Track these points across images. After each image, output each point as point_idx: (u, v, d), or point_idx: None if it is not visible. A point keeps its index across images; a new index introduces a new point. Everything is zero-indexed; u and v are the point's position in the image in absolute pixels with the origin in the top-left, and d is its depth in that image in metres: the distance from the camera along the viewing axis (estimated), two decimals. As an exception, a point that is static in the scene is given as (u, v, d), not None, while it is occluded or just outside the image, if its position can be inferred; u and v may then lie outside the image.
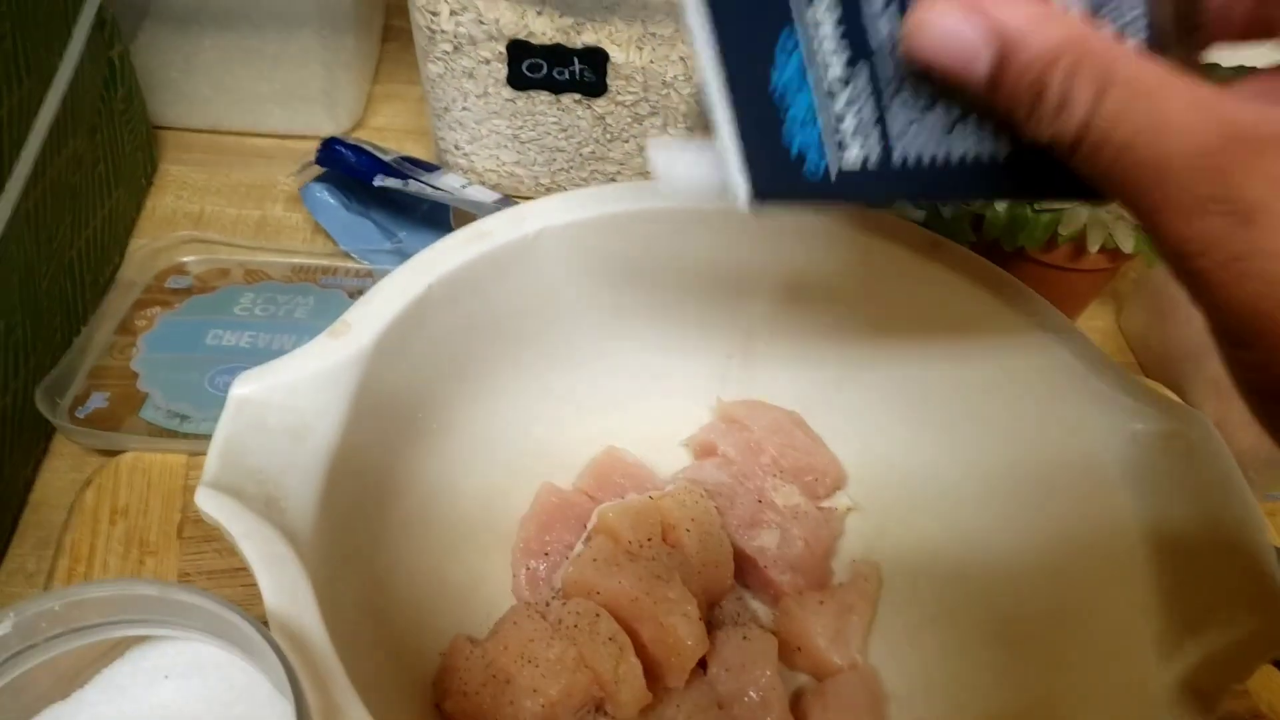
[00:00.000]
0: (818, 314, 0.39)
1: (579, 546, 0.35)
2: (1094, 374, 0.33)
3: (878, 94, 0.23)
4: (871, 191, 0.24)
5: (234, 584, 0.36)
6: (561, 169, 0.51)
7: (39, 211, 0.41)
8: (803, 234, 0.37)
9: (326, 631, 0.25)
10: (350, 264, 0.49)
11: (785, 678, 0.35)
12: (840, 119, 0.23)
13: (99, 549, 0.38)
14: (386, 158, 0.50)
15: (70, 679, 0.25)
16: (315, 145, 0.50)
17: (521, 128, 0.49)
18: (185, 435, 0.41)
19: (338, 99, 0.56)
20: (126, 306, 0.46)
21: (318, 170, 0.50)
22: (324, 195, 0.50)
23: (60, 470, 0.41)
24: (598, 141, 0.50)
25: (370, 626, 0.30)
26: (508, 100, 0.48)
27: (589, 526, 0.36)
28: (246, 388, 0.29)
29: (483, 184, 0.52)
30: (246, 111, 0.56)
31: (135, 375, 0.43)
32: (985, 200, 0.24)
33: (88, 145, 0.46)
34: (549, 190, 0.52)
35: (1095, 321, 0.54)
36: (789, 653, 0.36)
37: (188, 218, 0.52)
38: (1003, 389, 0.36)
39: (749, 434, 0.39)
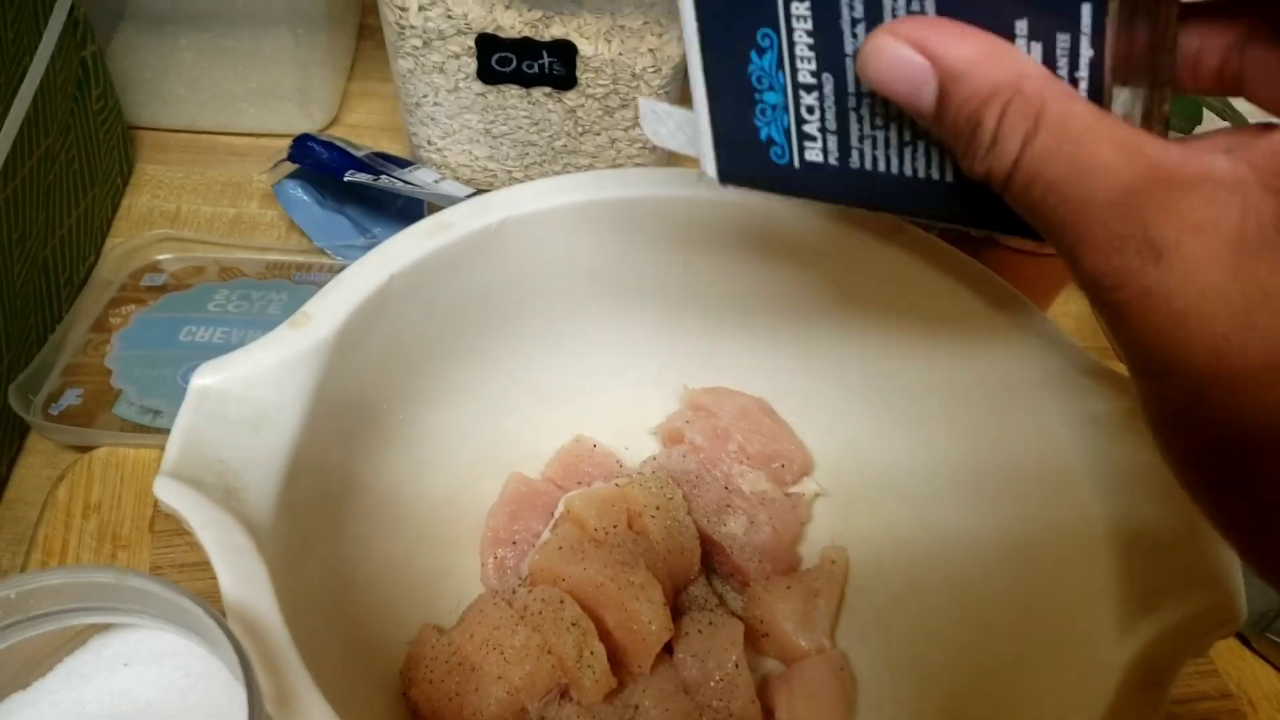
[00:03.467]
0: (784, 301, 0.39)
1: (546, 534, 0.36)
2: (1054, 356, 0.33)
3: (841, 102, 0.23)
4: (831, 187, 0.25)
5: (205, 577, 0.36)
6: (534, 163, 0.52)
7: (12, 210, 0.41)
8: (769, 218, 0.37)
9: (284, 620, 0.25)
10: (324, 260, 0.49)
11: (753, 663, 0.36)
12: (806, 117, 0.24)
13: (72, 544, 0.38)
14: (359, 153, 0.50)
15: (31, 668, 0.26)
16: (289, 143, 0.50)
17: (493, 122, 0.50)
18: (158, 430, 0.41)
19: (312, 97, 0.56)
20: (101, 304, 0.46)
21: (290, 167, 0.50)
22: (298, 192, 0.51)
23: (35, 467, 0.41)
24: (569, 135, 0.50)
25: (333, 617, 0.30)
26: (478, 94, 0.48)
27: (556, 514, 0.36)
28: (207, 378, 0.29)
29: (456, 179, 0.52)
30: (221, 110, 0.56)
31: (109, 372, 0.43)
32: (934, 219, 0.25)
33: (61, 145, 0.46)
34: (523, 184, 0.52)
35: (1069, 306, 0.55)
36: (756, 638, 0.36)
37: (164, 216, 0.53)
38: (966, 373, 0.36)
39: (716, 421, 0.39)
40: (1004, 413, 0.35)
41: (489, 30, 0.45)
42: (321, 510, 0.31)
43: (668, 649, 0.34)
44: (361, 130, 0.58)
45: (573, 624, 0.32)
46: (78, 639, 0.26)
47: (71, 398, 0.42)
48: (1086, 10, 0.19)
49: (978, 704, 0.33)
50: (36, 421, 0.41)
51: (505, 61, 0.46)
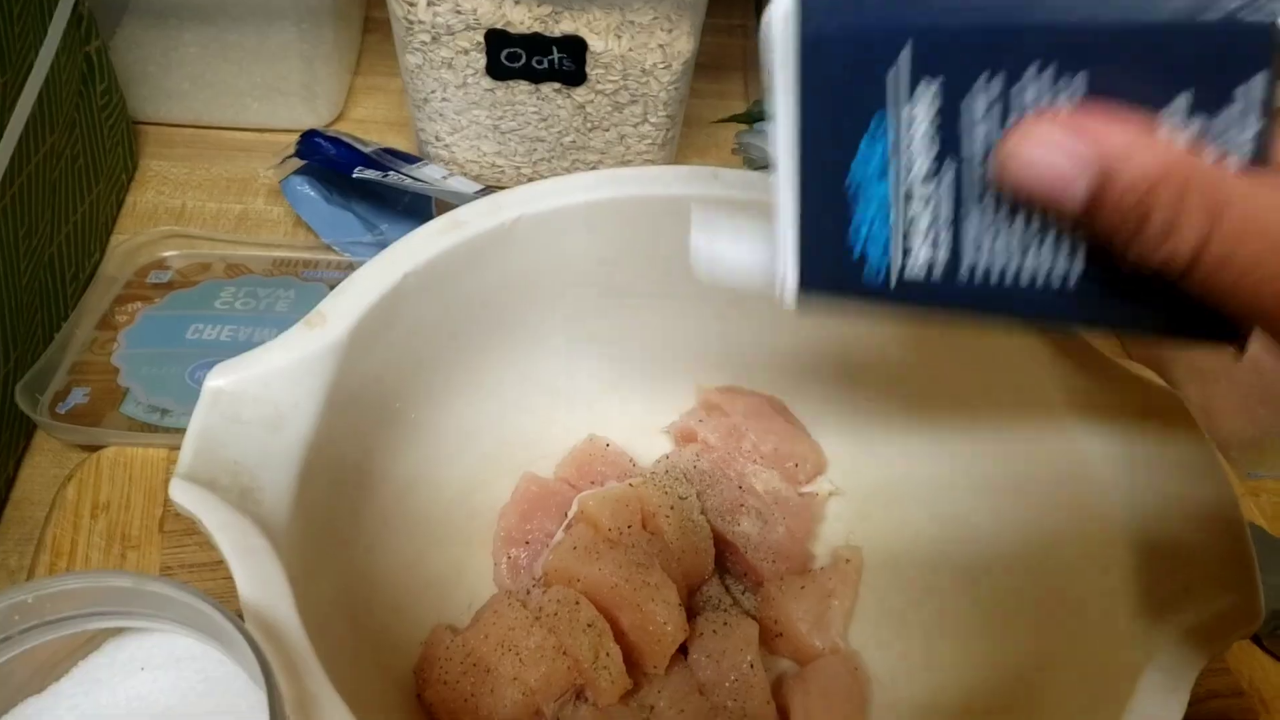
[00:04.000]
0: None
1: (559, 534, 0.35)
2: (1072, 358, 0.33)
3: (959, 197, 0.21)
4: (930, 302, 0.22)
5: (215, 577, 0.36)
6: (542, 159, 0.51)
7: (18, 207, 0.41)
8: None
9: (301, 622, 0.25)
10: (332, 256, 0.49)
11: (767, 663, 0.35)
12: (913, 220, 0.21)
13: (80, 544, 0.38)
14: (366, 149, 0.50)
15: (47, 672, 0.25)
16: (295, 138, 0.50)
17: (501, 118, 0.49)
18: (166, 429, 0.41)
19: (318, 92, 0.56)
20: (107, 302, 0.46)
21: (297, 163, 0.50)
22: (305, 188, 0.50)
23: (42, 466, 0.41)
24: (578, 131, 0.50)
25: (349, 617, 0.30)
26: (487, 90, 0.48)
27: (569, 515, 0.36)
28: (221, 379, 0.29)
29: (464, 175, 0.52)
30: (226, 106, 0.56)
31: (116, 370, 0.43)
32: (1051, 326, 0.23)
33: (66, 141, 0.46)
34: (530, 180, 0.52)
35: (1078, 305, 0.54)
36: (770, 638, 0.36)
37: (169, 212, 0.52)
38: (981, 373, 0.36)
39: (729, 420, 0.39)
40: (1020, 413, 0.35)
41: (498, 25, 0.45)
42: (336, 510, 0.31)
43: (682, 649, 0.34)
44: (368, 125, 0.58)
45: (588, 625, 0.32)
46: (92, 642, 0.26)
47: (79, 396, 0.42)
48: (1260, 79, 0.18)
49: (994, 704, 0.33)
50: (44, 420, 0.40)
51: (514, 57, 0.46)
